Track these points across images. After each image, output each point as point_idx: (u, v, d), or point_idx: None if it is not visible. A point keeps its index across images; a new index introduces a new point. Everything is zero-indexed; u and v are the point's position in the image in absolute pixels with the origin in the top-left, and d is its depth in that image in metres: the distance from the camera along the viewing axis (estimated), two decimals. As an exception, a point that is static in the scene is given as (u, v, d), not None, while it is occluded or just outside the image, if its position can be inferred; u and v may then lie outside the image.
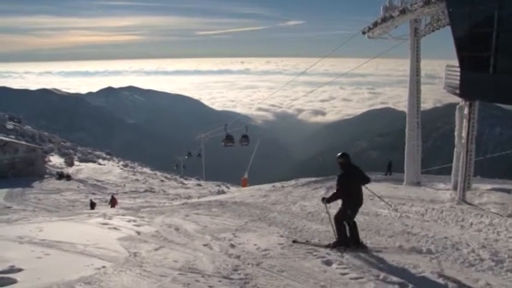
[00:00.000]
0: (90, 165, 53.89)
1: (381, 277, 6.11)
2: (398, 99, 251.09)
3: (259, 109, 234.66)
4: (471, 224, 10.37)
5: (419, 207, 12.66)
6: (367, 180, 7.74)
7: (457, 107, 14.58)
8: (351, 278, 6.12)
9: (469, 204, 12.73)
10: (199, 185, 49.00)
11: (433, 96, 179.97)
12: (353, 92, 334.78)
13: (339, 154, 7.71)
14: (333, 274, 6.32)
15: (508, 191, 13.75)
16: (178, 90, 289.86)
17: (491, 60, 11.62)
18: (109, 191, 36.39)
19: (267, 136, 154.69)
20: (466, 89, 13.15)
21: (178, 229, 10.12)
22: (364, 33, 21.53)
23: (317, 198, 15.25)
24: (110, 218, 12.31)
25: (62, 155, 56.22)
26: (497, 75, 11.63)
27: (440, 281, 6.00)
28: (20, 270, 6.15)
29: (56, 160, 51.74)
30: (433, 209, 12.22)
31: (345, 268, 6.56)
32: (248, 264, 6.88)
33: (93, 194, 34.32)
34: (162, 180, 50.51)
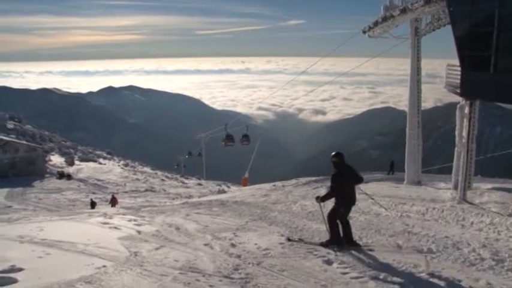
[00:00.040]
0: (91, 164, 53.87)
1: (381, 276, 6.11)
2: (398, 98, 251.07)
3: (260, 108, 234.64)
4: (472, 223, 10.36)
5: (420, 207, 12.65)
6: (360, 180, 7.79)
7: (458, 106, 14.56)
8: (352, 278, 6.12)
9: (470, 203, 12.72)
10: (199, 184, 48.99)
11: (434, 95, 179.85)
12: (353, 91, 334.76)
13: (333, 153, 7.73)
14: (334, 273, 6.32)
15: (508, 190, 13.72)
16: (178, 90, 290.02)
17: (491, 60, 11.60)
18: (109, 191, 36.39)
19: (268, 135, 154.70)
20: (467, 88, 13.13)
21: (178, 228, 10.13)
22: (364, 32, 21.51)
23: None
24: (111, 218, 12.32)
25: (62, 154, 56.22)
26: (498, 74, 11.62)
27: (441, 280, 6.00)
28: (20, 269, 6.16)
29: (56, 159, 51.73)
30: (434, 208, 12.21)
31: (346, 267, 6.57)
32: (249, 263, 6.89)
33: (94, 193, 34.31)
34: (162, 180, 50.49)
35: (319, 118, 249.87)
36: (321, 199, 7.94)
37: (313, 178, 26.13)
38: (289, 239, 8.56)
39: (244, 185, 38.68)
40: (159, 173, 58.69)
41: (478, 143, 14.56)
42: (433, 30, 18.79)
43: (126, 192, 37.24)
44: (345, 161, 7.67)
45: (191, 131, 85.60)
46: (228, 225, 10.70)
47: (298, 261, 7.00)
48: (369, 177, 23.32)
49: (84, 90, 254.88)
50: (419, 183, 18.94)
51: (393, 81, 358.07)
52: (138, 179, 47.06)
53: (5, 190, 31.01)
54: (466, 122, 13.77)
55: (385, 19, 19.29)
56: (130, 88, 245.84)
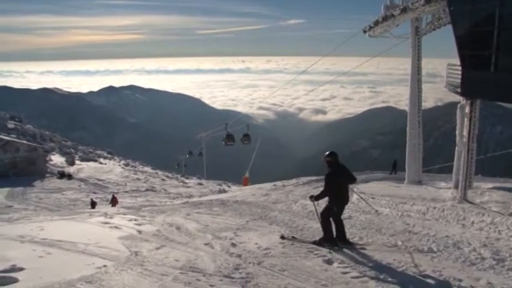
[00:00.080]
0: (91, 164, 53.92)
1: (382, 276, 6.11)
2: (399, 98, 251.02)
3: (260, 108, 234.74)
4: (472, 222, 10.36)
5: (421, 206, 12.64)
6: (353, 180, 7.88)
7: (459, 105, 14.55)
8: (352, 277, 6.13)
9: (471, 203, 12.71)
10: (200, 184, 49.01)
11: (434, 95, 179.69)
12: (354, 90, 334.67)
13: (327, 153, 7.78)
14: (334, 273, 6.32)
15: (509, 190, 13.71)
16: (179, 89, 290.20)
17: (492, 59, 11.60)
18: (110, 190, 36.43)
19: (268, 135, 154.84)
20: (467, 87, 13.12)
21: (179, 228, 10.13)
22: (365, 32, 21.49)
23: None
24: (111, 217, 12.33)
25: (63, 154, 56.27)
26: (499, 73, 11.61)
27: (442, 280, 6.00)
28: (21, 269, 6.16)
29: (57, 159, 51.78)
30: (435, 207, 12.21)
31: (346, 267, 6.57)
32: (249, 263, 6.89)
33: (94, 193, 34.36)
34: (163, 179, 50.53)
35: (320, 117, 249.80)
36: (315, 198, 7.98)
37: (314, 177, 26.13)
38: (282, 237, 8.64)
39: (245, 184, 38.70)
40: (160, 172, 58.73)
41: (478, 142, 14.54)
42: (434, 29, 18.77)
43: (126, 191, 37.28)
44: (338, 161, 7.72)
45: (192, 131, 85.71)
46: (228, 224, 10.69)
47: (299, 260, 7.00)
48: (370, 176, 23.33)
49: (84, 90, 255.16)
50: (419, 182, 18.93)
51: (394, 80, 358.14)
52: (138, 179, 47.10)
53: (6, 190, 31.05)
54: (466, 122, 13.76)
55: (385, 18, 19.28)
56: (131, 88, 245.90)
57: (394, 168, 27.44)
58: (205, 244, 8.26)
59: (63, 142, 67.16)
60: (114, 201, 26.48)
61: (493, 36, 11.39)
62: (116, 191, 35.41)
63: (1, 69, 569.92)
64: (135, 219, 11.78)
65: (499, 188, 14.47)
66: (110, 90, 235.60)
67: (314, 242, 8.06)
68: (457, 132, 14.77)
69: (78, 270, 6.23)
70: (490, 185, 15.16)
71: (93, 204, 25.50)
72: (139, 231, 9.70)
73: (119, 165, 58.30)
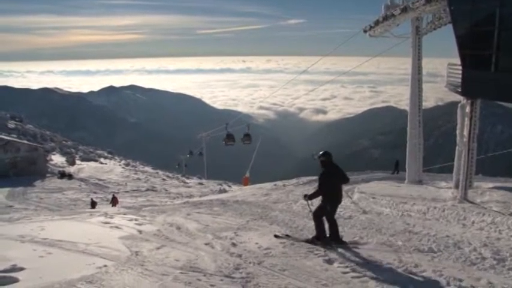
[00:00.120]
0: (92, 164, 53.96)
1: (382, 276, 6.12)
2: (399, 97, 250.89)
3: (261, 108, 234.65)
4: (473, 222, 10.35)
5: (421, 206, 12.64)
6: (346, 180, 7.96)
7: (459, 105, 14.53)
8: (353, 277, 6.13)
9: (471, 202, 12.69)
10: (200, 183, 49.01)
11: (435, 94, 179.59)
12: (354, 90, 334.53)
13: (321, 153, 7.87)
14: (335, 273, 6.32)
15: (510, 190, 13.68)
16: (179, 89, 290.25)
17: (493, 59, 11.58)
18: (111, 190, 36.46)
19: (269, 135, 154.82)
20: (468, 87, 13.10)
21: (179, 228, 10.13)
22: (365, 31, 21.45)
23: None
24: (112, 217, 12.33)
25: (63, 154, 56.31)
26: (499, 73, 11.59)
27: (442, 279, 6.00)
28: (21, 269, 6.17)
29: (57, 159, 51.82)
30: (435, 207, 12.20)
31: (347, 267, 6.57)
32: (250, 263, 6.89)
33: (95, 192, 34.39)
34: (163, 179, 50.55)
35: (320, 117, 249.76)
36: (309, 197, 8.10)
37: (314, 177, 26.10)
38: (276, 236, 8.73)
39: (245, 184, 38.70)
40: (160, 172, 58.75)
41: (478, 142, 14.52)
42: (434, 29, 18.73)
43: (127, 191, 37.30)
44: (332, 161, 7.80)
45: (192, 131, 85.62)
46: (229, 224, 10.70)
47: (299, 260, 7.00)
48: (370, 176, 23.32)
49: (85, 89, 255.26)
50: (420, 182, 18.90)
51: (394, 80, 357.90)
52: (139, 179, 47.13)
53: (6, 190, 31.07)
54: (467, 121, 13.74)
55: (386, 18, 19.25)
56: (132, 87, 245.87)
57: (396, 168, 27.41)
58: (206, 244, 8.27)
59: (64, 142, 67.20)
60: (114, 201, 26.50)
61: (494, 36, 11.37)
62: (116, 191, 35.43)
63: (2, 69, 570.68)
64: (136, 219, 11.78)
65: (499, 187, 14.44)
66: (110, 90, 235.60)
67: (307, 241, 8.18)
68: (458, 131, 14.75)
69: (78, 270, 6.23)
70: (491, 185, 15.14)
71: (93, 204, 25.50)
72: (140, 231, 9.71)
73: (120, 165, 58.34)
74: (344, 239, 8.47)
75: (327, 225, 8.01)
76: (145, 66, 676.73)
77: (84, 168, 49.24)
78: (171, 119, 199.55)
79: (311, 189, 19.40)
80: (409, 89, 19.61)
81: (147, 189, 39.35)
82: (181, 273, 6.26)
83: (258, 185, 30.03)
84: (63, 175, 40.76)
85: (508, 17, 11.24)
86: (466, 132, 13.80)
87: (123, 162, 62.39)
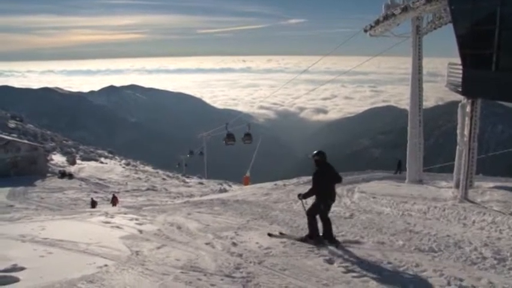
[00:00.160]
0: (92, 163, 53.97)
1: (383, 275, 6.11)
2: (400, 97, 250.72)
3: (261, 107, 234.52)
4: (473, 222, 10.35)
5: (422, 205, 12.64)
6: (339, 180, 8.01)
7: (459, 104, 14.52)
8: (353, 277, 6.12)
9: (472, 202, 12.69)
10: (201, 183, 49.01)
11: (435, 94, 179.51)
12: (355, 90, 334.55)
13: (315, 152, 7.98)
14: (335, 272, 6.32)
15: (510, 189, 13.68)
16: (180, 89, 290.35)
17: (493, 58, 11.58)
18: (111, 190, 36.47)
19: (269, 134, 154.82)
20: (468, 86, 13.10)
21: (180, 227, 10.13)
22: (365, 31, 21.45)
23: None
24: (112, 217, 12.33)
25: (64, 153, 56.35)
26: (500, 72, 11.59)
27: (443, 279, 6.00)
28: (22, 268, 6.16)
29: (58, 159, 51.85)
30: (435, 207, 12.20)
31: (347, 266, 6.57)
32: (250, 262, 6.89)
33: (95, 192, 34.40)
34: (164, 179, 50.56)
35: (321, 117, 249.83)
36: (303, 196, 8.19)
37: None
38: (269, 235, 8.83)
39: (246, 183, 38.71)
40: (161, 172, 58.77)
41: (479, 141, 14.52)
42: (435, 28, 18.73)
43: (127, 191, 37.32)
44: (326, 160, 7.90)
45: (193, 130, 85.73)
46: (229, 224, 10.70)
47: (300, 260, 7.00)
48: (371, 176, 23.32)
49: (85, 89, 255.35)
50: (420, 181, 18.90)
51: (394, 80, 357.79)
52: (139, 178, 47.15)
53: (7, 189, 31.09)
54: (467, 121, 13.74)
55: (386, 18, 19.24)
56: (132, 87, 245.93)
57: (399, 168, 27.38)
58: (206, 243, 8.26)
59: (64, 141, 67.25)
60: (114, 201, 26.51)
61: (494, 35, 11.37)
62: (116, 191, 35.46)
63: (2, 68, 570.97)
64: (136, 219, 11.78)
65: (500, 187, 14.44)
66: (110, 89, 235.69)
67: (300, 239, 8.27)
68: (458, 131, 14.75)
69: (79, 270, 6.23)
70: (491, 184, 15.14)
71: (93, 204, 25.50)
72: (140, 231, 9.71)
73: (120, 164, 58.36)
74: (345, 239, 8.49)
75: (320, 224, 8.09)
76: (145, 66, 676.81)
77: (85, 167, 49.27)
78: (171, 119, 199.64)
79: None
80: (409, 89, 19.61)
81: (148, 189, 39.37)
82: (182, 272, 6.25)
83: (258, 185, 30.04)
84: (63, 175, 40.78)
85: (509, 16, 11.24)
86: (466, 132, 13.80)
87: (123, 161, 62.41)
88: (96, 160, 57.67)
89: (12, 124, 58.73)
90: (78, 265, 6.54)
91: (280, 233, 9.00)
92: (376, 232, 9.24)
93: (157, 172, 57.53)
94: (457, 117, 14.70)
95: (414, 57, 18.95)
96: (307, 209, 8.21)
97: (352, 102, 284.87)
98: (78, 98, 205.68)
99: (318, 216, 8.10)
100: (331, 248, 7.65)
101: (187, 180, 52.38)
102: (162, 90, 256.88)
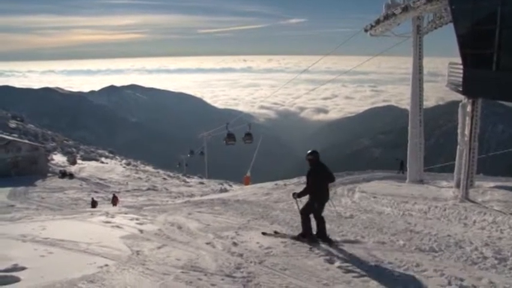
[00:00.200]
0: (93, 163, 54.02)
1: (383, 275, 6.11)
2: (400, 97, 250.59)
3: (262, 107, 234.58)
4: (474, 222, 10.34)
5: (422, 205, 12.63)
6: (332, 179, 8.16)
7: (460, 104, 14.52)
8: (354, 277, 6.12)
9: (472, 202, 12.69)
10: (201, 183, 49.03)
11: (436, 93, 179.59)
12: (355, 89, 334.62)
13: (309, 151, 8.13)
14: (336, 272, 6.32)
15: (511, 189, 13.68)
16: (180, 89, 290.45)
17: (494, 58, 11.58)
18: (112, 189, 36.49)
19: (269, 134, 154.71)
20: (469, 86, 13.09)
21: (180, 227, 10.13)
22: (366, 31, 21.44)
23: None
24: (113, 217, 12.33)
25: (64, 153, 56.40)
26: (500, 72, 11.59)
27: (443, 279, 5.99)
28: (23, 268, 6.17)
29: (58, 159, 51.89)
30: (436, 206, 12.20)
31: (348, 266, 6.57)
32: (251, 262, 6.88)
33: (96, 192, 34.42)
34: (164, 179, 50.59)
35: (321, 116, 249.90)
36: (298, 195, 8.31)
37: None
38: (263, 234, 8.95)
39: (246, 183, 38.69)
40: (161, 171, 58.80)
41: (479, 141, 14.50)
42: (435, 28, 18.72)
43: (128, 191, 37.34)
44: (319, 159, 8.03)
45: (193, 130, 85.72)
46: (230, 224, 10.70)
47: (300, 260, 7.00)
48: (371, 175, 23.30)
49: (86, 89, 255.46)
50: (421, 181, 18.90)
51: (395, 79, 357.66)
52: (140, 178, 47.17)
53: (8, 189, 31.13)
54: (468, 120, 13.73)
55: (386, 17, 19.23)
56: (132, 87, 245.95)
57: (401, 167, 27.35)
58: (207, 243, 8.26)
59: (65, 141, 67.30)
60: (115, 201, 26.52)
61: (495, 35, 11.37)
62: (117, 190, 35.48)
63: (3, 68, 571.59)
64: (137, 219, 11.78)
65: (500, 187, 14.43)
66: (111, 89, 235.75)
67: (294, 237, 8.36)
68: (459, 131, 14.75)
69: (79, 270, 6.23)
70: (492, 184, 15.12)
71: (93, 204, 25.50)
72: (141, 231, 9.70)
73: (121, 164, 58.40)
74: (346, 238, 8.50)
75: (314, 223, 8.19)
76: (145, 66, 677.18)
77: (85, 167, 49.30)
78: (172, 119, 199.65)
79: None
80: (410, 88, 19.60)
81: (148, 189, 39.40)
82: (183, 272, 6.25)
83: (259, 185, 30.03)
84: (64, 174, 40.81)
85: (509, 15, 11.23)
86: (467, 132, 13.79)
87: (124, 161, 62.45)
88: (96, 160, 57.72)
89: (13, 124, 58.80)
90: (79, 265, 6.54)
91: (275, 232, 9.09)
92: (377, 232, 9.24)
93: (157, 172, 57.56)
94: (458, 117, 14.69)
95: (415, 57, 18.93)
96: (301, 207, 8.31)
97: (353, 102, 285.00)
98: (79, 98, 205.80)
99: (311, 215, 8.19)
100: (325, 246, 7.73)
101: (187, 180, 52.40)
102: (162, 90, 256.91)
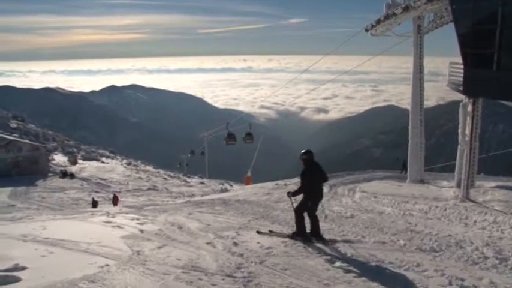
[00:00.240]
0: (94, 163, 54.04)
1: (384, 275, 6.11)
2: (401, 96, 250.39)
3: (262, 107, 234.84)
4: (475, 221, 10.34)
5: (423, 205, 12.63)
6: (325, 179, 8.31)
7: (461, 104, 14.51)
8: (354, 276, 6.11)
9: (473, 201, 12.68)
10: (202, 183, 49.03)
11: (437, 93, 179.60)
12: (356, 89, 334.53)
13: (303, 151, 8.27)
14: (336, 272, 6.31)
15: (511, 189, 13.68)
16: (181, 89, 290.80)
17: (494, 57, 11.58)
18: (112, 189, 36.50)
19: (270, 134, 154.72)
20: (470, 86, 13.09)
21: (181, 227, 10.12)
22: (367, 30, 21.44)
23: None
24: (113, 216, 12.33)
25: (65, 153, 56.42)
26: (501, 72, 11.59)
27: (444, 279, 5.99)
28: (24, 268, 6.17)
29: (59, 158, 51.92)
30: (437, 206, 12.19)
31: (349, 266, 6.56)
32: (251, 262, 6.88)
33: (96, 192, 34.43)
34: (165, 179, 50.59)
35: (322, 116, 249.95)
36: (292, 194, 8.38)
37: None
38: (258, 232, 9.07)
39: (247, 183, 38.67)
40: (162, 171, 58.81)
41: (480, 141, 14.48)
42: (436, 28, 18.72)
43: (128, 191, 37.34)
44: (313, 159, 8.15)
45: (194, 130, 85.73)
46: (230, 224, 10.69)
47: (301, 260, 6.99)
48: (372, 175, 23.28)
49: (86, 89, 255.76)
50: (422, 181, 18.90)
51: (396, 79, 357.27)
52: (140, 178, 47.19)
53: (9, 189, 31.16)
54: (469, 120, 13.73)
55: (387, 17, 19.23)
56: (133, 87, 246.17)
57: (404, 167, 27.28)
58: (207, 243, 8.26)
59: (66, 141, 67.33)
60: (115, 201, 26.52)
61: (496, 35, 11.37)
62: (118, 190, 35.49)
63: (4, 69, 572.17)
64: (137, 219, 11.78)
65: (501, 186, 14.42)
66: (111, 89, 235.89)
67: (288, 236, 8.45)
68: (460, 130, 14.74)
69: (80, 270, 6.23)
70: (493, 184, 15.11)
71: (94, 204, 25.50)
72: (142, 231, 9.70)
73: (121, 164, 58.42)
74: (346, 238, 8.51)
75: (308, 222, 8.29)
76: (146, 66, 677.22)
77: (86, 167, 49.33)
78: (172, 119, 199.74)
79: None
80: (410, 88, 19.60)
81: (149, 189, 39.40)
82: (183, 272, 6.25)
83: (259, 184, 30.00)
84: (65, 174, 40.84)
85: (510, 15, 11.22)
86: (468, 131, 13.79)
87: (124, 161, 62.47)
88: (97, 160, 57.75)
89: (13, 124, 58.85)
90: (80, 265, 6.54)
91: (270, 231, 9.19)
92: (378, 232, 9.24)
93: (158, 172, 57.57)
94: (459, 117, 14.69)
95: (415, 57, 18.94)
96: (295, 206, 8.40)
97: (353, 102, 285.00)
98: (80, 98, 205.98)
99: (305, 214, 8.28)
100: (319, 245, 7.83)
101: (188, 180, 52.41)
102: (163, 90, 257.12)
